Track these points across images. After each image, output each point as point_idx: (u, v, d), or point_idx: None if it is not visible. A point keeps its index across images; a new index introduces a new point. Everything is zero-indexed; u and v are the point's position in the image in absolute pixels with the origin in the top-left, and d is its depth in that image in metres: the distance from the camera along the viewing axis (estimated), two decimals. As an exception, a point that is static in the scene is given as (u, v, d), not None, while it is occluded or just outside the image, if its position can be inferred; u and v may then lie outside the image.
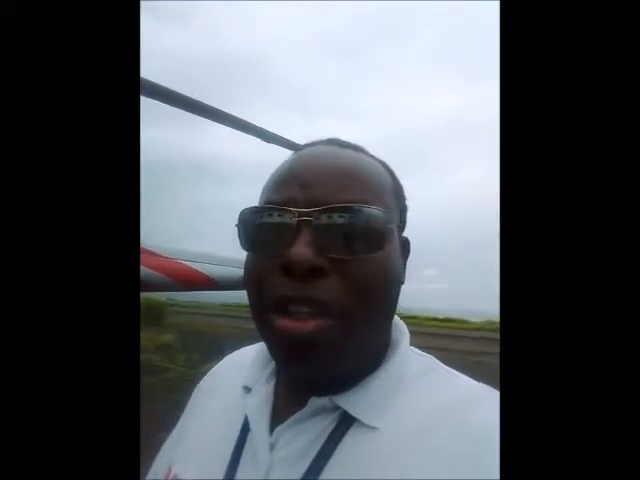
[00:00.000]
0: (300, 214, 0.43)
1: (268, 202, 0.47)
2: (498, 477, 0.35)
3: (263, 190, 0.50)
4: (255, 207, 0.48)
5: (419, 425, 0.44)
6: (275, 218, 0.45)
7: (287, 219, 0.44)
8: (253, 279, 0.46)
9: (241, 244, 0.49)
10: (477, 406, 0.45)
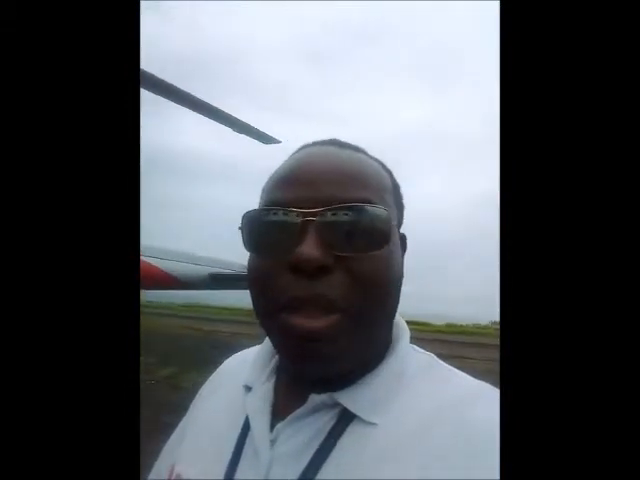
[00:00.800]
0: (305, 214, 0.44)
1: (272, 203, 0.47)
2: (498, 476, 0.35)
3: (263, 191, 0.50)
4: (259, 208, 0.48)
5: (419, 422, 0.45)
6: (280, 218, 0.45)
7: (292, 219, 0.44)
8: (259, 280, 0.46)
9: (245, 246, 0.48)
10: (477, 404, 0.45)
